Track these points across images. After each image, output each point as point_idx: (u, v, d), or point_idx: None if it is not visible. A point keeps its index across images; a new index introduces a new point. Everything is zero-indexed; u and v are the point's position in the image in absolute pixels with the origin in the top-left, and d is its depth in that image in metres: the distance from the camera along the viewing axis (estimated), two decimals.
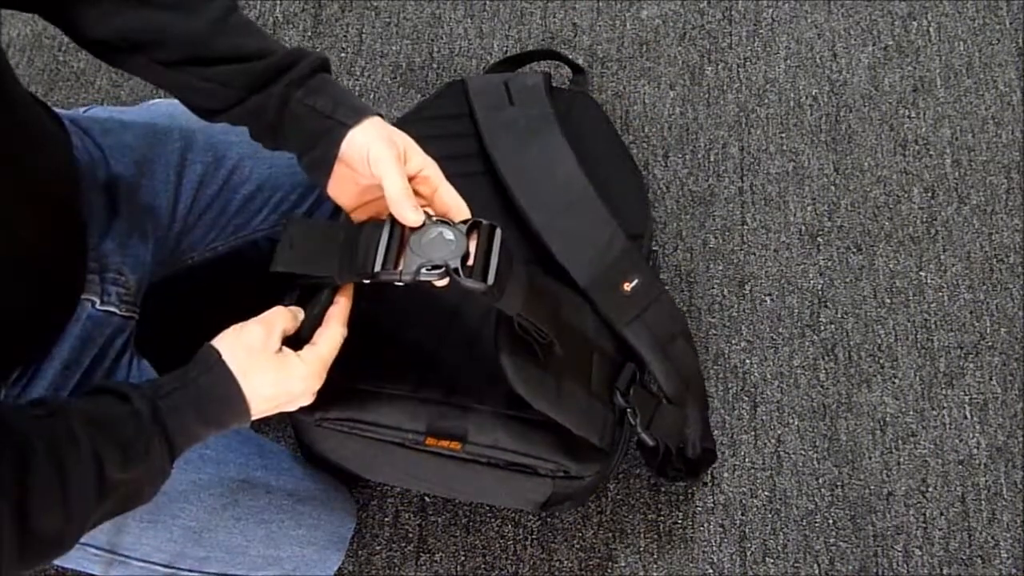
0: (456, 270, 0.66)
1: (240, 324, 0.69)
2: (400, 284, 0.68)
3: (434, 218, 0.68)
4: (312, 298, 0.74)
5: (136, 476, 0.62)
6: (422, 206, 0.69)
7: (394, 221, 0.69)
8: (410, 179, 0.69)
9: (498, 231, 0.69)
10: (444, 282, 0.67)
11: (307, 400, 0.71)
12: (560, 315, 0.84)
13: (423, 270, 0.66)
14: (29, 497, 0.56)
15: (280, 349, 0.69)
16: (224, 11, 0.71)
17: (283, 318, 0.71)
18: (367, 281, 0.69)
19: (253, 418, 0.69)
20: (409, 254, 0.67)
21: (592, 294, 0.87)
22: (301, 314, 0.73)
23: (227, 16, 0.71)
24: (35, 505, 0.56)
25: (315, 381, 0.70)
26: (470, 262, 0.67)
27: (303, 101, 0.70)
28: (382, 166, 0.68)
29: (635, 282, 0.89)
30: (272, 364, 0.68)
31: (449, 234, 0.67)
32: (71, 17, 0.69)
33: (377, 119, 0.71)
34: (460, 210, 0.70)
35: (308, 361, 0.70)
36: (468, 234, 0.68)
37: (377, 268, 0.67)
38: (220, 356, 0.67)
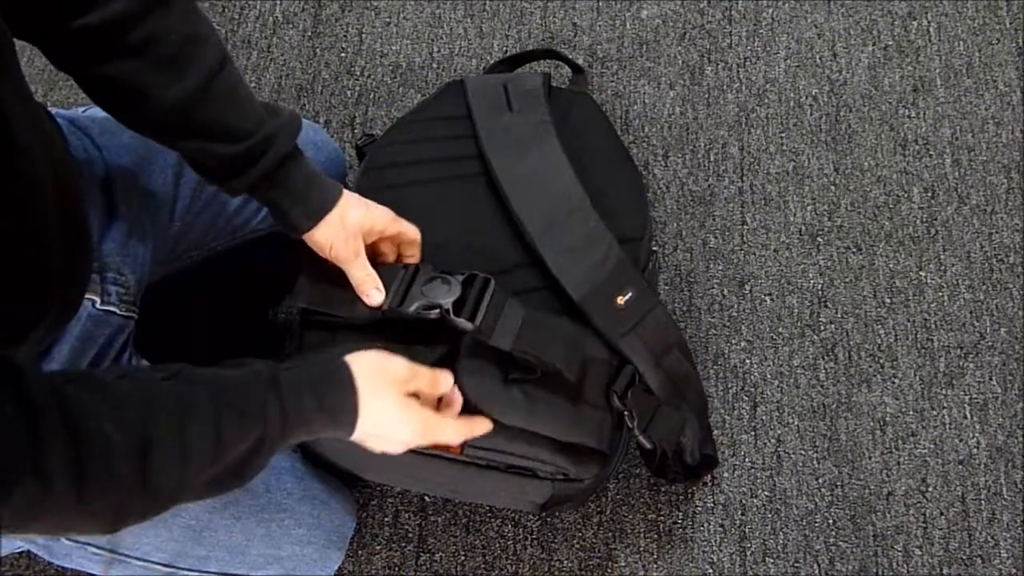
0: (448, 310, 0.79)
1: (385, 352, 0.73)
2: (405, 317, 0.81)
3: (439, 270, 0.82)
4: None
5: (253, 440, 0.63)
6: (410, 256, 0.84)
7: (406, 267, 0.83)
8: (392, 238, 0.83)
9: (491, 282, 0.81)
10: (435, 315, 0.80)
11: (399, 450, 0.74)
12: (550, 340, 0.85)
13: (421, 309, 0.80)
14: (152, 449, 0.57)
15: (408, 396, 0.72)
16: (209, 73, 0.71)
17: (426, 377, 0.75)
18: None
19: (354, 436, 0.70)
20: (415, 294, 0.81)
21: (585, 307, 0.87)
22: (446, 387, 0.77)
23: (211, 81, 0.71)
24: (156, 457, 0.57)
25: (420, 437, 0.73)
26: (467, 305, 0.80)
27: (266, 195, 0.78)
28: (343, 264, 0.80)
29: (629, 295, 0.88)
30: (396, 398, 0.71)
31: (448, 281, 0.81)
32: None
33: (333, 216, 0.78)
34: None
35: (426, 415, 0.73)
36: (465, 284, 0.81)
37: (387, 306, 0.81)
38: (346, 361, 0.70)
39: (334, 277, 0.82)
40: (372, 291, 0.80)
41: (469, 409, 0.79)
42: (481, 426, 0.79)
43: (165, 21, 0.68)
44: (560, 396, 0.82)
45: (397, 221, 0.83)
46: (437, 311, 0.79)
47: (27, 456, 0.52)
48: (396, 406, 0.71)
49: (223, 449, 0.61)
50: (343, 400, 0.68)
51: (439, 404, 0.78)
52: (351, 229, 0.79)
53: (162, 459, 0.58)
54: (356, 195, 0.81)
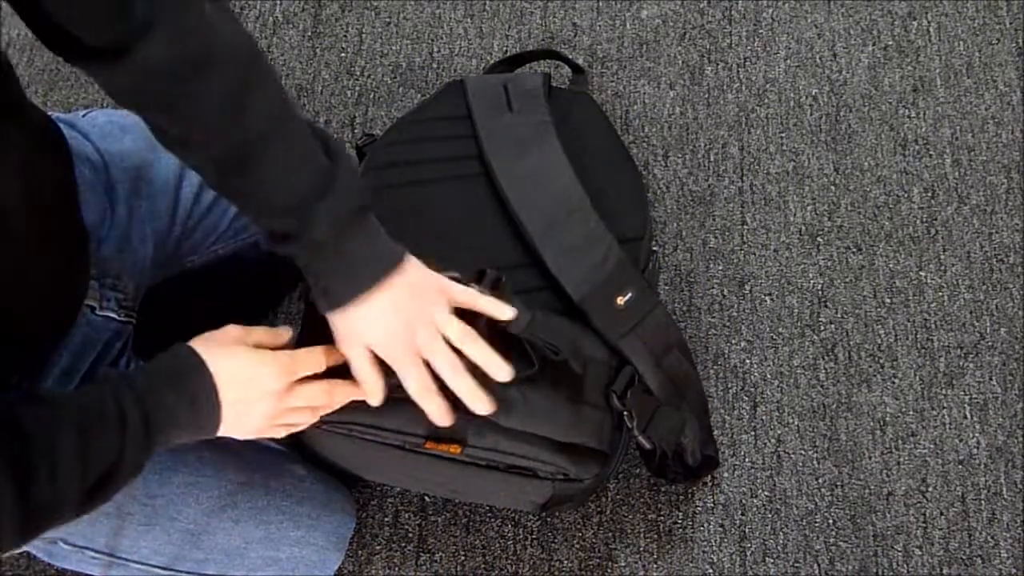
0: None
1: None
2: None
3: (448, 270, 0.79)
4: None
5: (117, 440, 0.62)
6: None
7: None
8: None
9: (503, 277, 0.80)
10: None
11: (274, 404, 0.71)
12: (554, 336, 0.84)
13: None
14: (25, 469, 0.57)
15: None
16: (266, 131, 0.66)
17: (263, 329, 0.73)
18: None
19: (224, 404, 0.67)
20: None
21: (585, 307, 0.87)
22: (287, 335, 0.75)
23: (265, 141, 0.66)
24: (31, 477, 0.57)
25: (285, 373, 0.71)
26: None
27: (304, 267, 0.72)
28: (349, 360, 0.74)
29: (628, 296, 0.88)
30: (244, 350, 0.69)
31: (460, 280, 0.78)
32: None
33: (356, 311, 0.71)
34: (503, 313, 0.77)
35: (280, 358, 0.71)
36: (478, 279, 0.79)
37: None
38: (181, 343, 0.69)
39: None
40: (373, 394, 0.75)
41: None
42: (347, 390, 0.75)
43: (202, 83, 0.64)
44: (560, 397, 0.82)
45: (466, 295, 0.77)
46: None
47: None
48: (246, 352, 0.69)
49: (91, 461, 0.60)
50: (192, 372, 0.67)
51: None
52: (362, 339, 0.73)
53: (32, 478, 0.57)
54: (389, 298, 0.72)
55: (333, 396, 0.75)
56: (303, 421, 0.76)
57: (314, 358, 0.73)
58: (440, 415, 0.74)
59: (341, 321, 0.72)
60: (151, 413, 0.63)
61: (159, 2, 0.59)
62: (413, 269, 0.74)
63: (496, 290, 0.79)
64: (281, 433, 0.76)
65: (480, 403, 0.75)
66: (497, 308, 0.76)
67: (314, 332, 0.80)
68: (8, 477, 0.56)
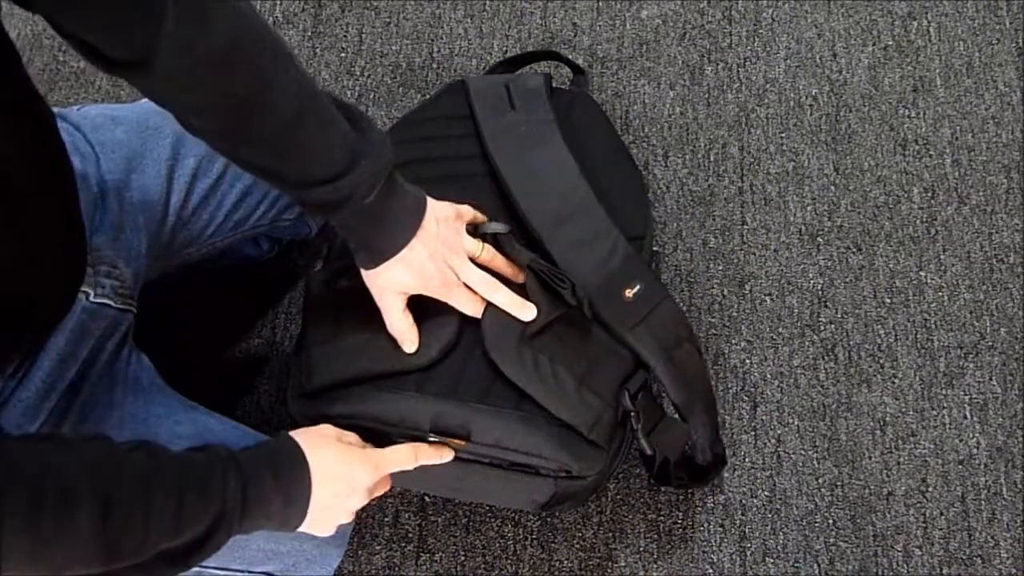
0: (508, 233, 0.85)
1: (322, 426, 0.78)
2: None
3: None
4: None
5: (212, 516, 0.64)
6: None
7: None
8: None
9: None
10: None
11: (363, 499, 0.76)
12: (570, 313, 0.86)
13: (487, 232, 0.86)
14: (114, 507, 0.58)
15: (348, 444, 0.77)
16: (281, 128, 0.68)
17: (356, 435, 0.79)
18: None
19: (315, 499, 0.72)
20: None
21: (594, 301, 0.87)
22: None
23: (282, 135, 0.68)
24: (118, 516, 0.58)
25: (373, 473, 0.76)
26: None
27: (346, 230, 0.78)
28: (383, 312, 0.81)
29: (637, 288, 0.89)
30: (339, 447, 0.75)
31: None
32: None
33: (393, 264, 0.77)
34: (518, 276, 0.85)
35: (371, 456, 0.77)
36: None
37: None
38: (288, 434, 0.74)
39: (346, 329, 0.84)
40: (407, 343, 0.82)
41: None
42: (430, 452, 0.82)
43: (229, 79, 0.65)
44: (568, 375, 0.83)
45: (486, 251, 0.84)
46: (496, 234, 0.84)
47: None
48: (339, 451, 0.75)
49: (183, 522, 0.62)
50: (294, 467, 0.71)
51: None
52: (399, 288, 0.80)
53: (124, 518, 0.58)
54: (421, 243, 0.78)
55: (418, 459, 0.81)
56: (396, 457, 0.81)
57: (401, 456, 0.79)
58: (517, 305, 0.82)
59: (382, 275, 0.78)
60: (248, 484, 0.67)
61: (177, 10, 0.59)
62: (434, 206, 0.80)
63: (498, 244, 0.84)
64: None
65: (524, 309, 0.82)
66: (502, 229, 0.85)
67: (318, 320, 0.84)
68: (95, 513, 0.57)
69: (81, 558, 0.57)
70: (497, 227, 0.86)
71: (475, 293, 0.82)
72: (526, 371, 0.82)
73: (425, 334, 0.83)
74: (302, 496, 0.71)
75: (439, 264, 0.79)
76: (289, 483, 0.70)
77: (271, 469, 0.69)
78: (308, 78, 0.70)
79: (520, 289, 0.84)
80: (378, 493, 0.80)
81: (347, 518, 0.77)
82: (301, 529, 0.73)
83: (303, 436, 0.74)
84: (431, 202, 0.80)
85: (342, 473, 0.74)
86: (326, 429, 0.77)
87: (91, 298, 0.77)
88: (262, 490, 0.68)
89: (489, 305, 0.83)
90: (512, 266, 0.85)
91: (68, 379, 0.75)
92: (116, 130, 0.85)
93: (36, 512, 0.54)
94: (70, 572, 0.58)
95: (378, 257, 0.77)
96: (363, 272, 0.80)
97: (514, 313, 0.82)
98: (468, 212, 0.85)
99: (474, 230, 0.85)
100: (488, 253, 0.84)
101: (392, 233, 0.77)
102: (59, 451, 0.58)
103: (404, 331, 0.81)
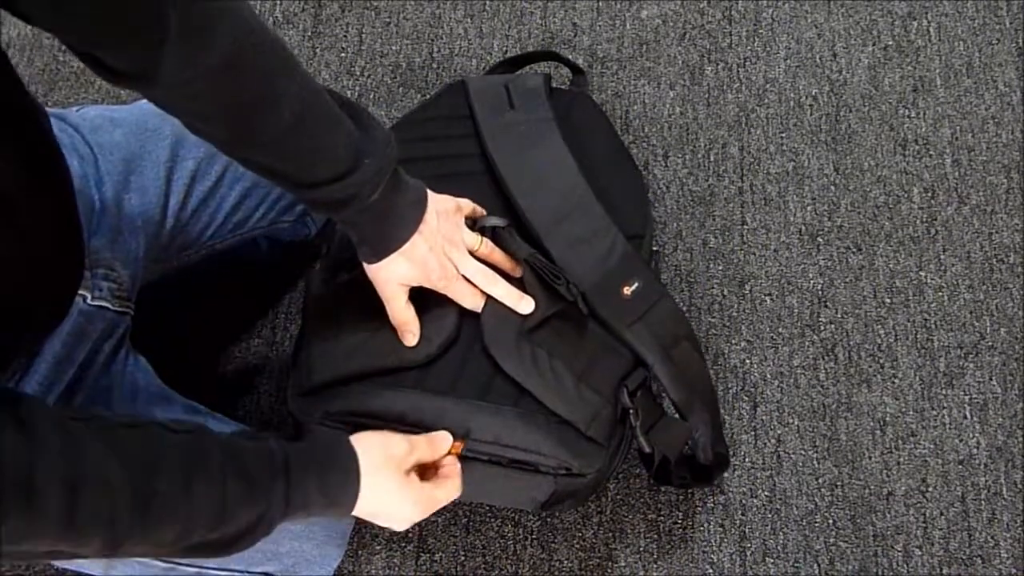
0: (507, 227, 0.86)
1: (387, 432, 0.75)
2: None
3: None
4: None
5: (255, 516, 0.63)
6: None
7: None
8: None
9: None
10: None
11: (402, 527, 0.76)
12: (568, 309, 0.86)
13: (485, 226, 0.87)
14: (153, 500, 0.57)
15: (409, 472, 0.74)
16: (283, 131, 0.68)
17: (425, 448, 0.77)
18: None
19: (357, 511, 0.71)
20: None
21: (592, 298, 0.87)
22: (444, 446, 0.79)
23: (285, 138, 0.68)
24: (157, 509, 0.58)
25: (421, 513, 0.75)
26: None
27: (350, 226, 0.78)
28: (386, 303, 0.81)
29: (635, 285, 0.89)
30: (397, 478, 0.73)
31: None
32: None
33: (396, 258, 0.78)
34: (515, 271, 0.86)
35: (425, 493, 0.75)
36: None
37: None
38: (350, 443, 0.72)
39: (346, 328, 0.84)
40: (408, 334, 0.82)
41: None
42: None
43: (232, 86, 0.65)
44: (566, 370, 0.83)
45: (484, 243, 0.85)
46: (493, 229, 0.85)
47: (21, 489, 0.51)
48: (397, 485, 0.73)
49: (224, 517, 0.62)
50: (344, 482, 0.70)
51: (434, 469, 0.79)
52: (401, 280, 0.81)
53: (163, 512, 0.58)
54: (422, 237, 0.79)
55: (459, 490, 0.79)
56: (446, 496, 0.79)
57: (451, 492, 0.77)
58: (515, 298, 0.83)
59: (385, 268, 0.79)
60: (292, 493, 0.66)
61: (180, 22, 0.58)
62: (434, 200, 0.81)
63: (497, 237, 0.85)
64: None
65: (522, 302, 0.83)
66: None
67: (317, 318, 0.84)
68: (136, 506, 0.57)
69: (117, 547, 0.57)
70: (496, 221, 0.86)
71: (474, 286, 0.83)
72: (524, 366, 0.82)
73: (425, 329, 0.83)
74: (346, 505, 0.70)
75: (439, 257, 0.80)
76: (336, 494, 0.69)
77: (320, 478, 0.68)
78: (311, 79, 0.70)
79: (519, 283, 0.84)
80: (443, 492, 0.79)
81: (394, 527, 0.77)
82: (357, 511, 0.73)
83: (366, 453, 0.71)
84: (432, 195, 0.81)
85: (391, 505, 0.73)
86: (393, 446, 0.74)
87: (88, 301, 0.77)
88: (307, 496, 0.67)
89: (488, 300, 0.83)
90: (510, 260, 0.86)
91: (65, 382, 0.75)
92: (115, 132, 0.85)
93: (72, 502, 0.53)
94: (106, 556, 0.58)
95: (381, 252, 0.78)
96: (365, 266, 0.80)
97: (512, 306, 0.83)
98: (468, 205, 0.86)
99: (473, 224, 0.86)
100: (487, 247, 0.84)
101: (395, 228, 0.78)
102: (100, 438, 0.57)
103: (407, 323, 0.82)
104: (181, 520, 0.59)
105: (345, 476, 0.70)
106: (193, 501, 0.59)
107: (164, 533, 0.59)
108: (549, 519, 1.07)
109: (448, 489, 0.77)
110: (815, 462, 1.10)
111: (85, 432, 0.57)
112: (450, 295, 0.83)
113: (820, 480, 1.09)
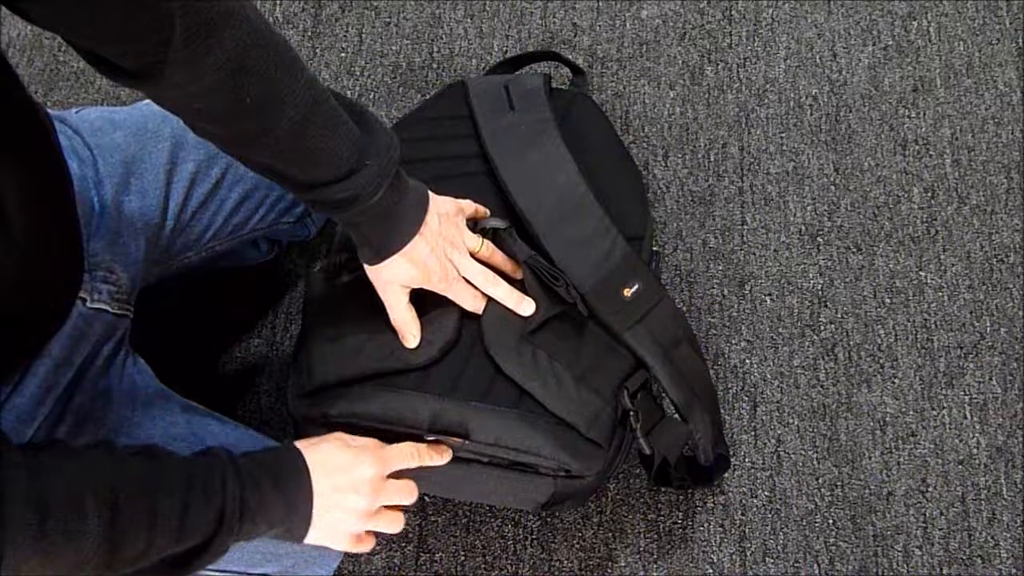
0: (508, 229, 0.86)
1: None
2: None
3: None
4: None
5: (214, 520, 0.64)
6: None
7: None
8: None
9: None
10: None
11: (368, 498, 0.75)
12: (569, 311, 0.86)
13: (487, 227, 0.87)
14: (120, 514, 0.58)
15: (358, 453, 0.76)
16: (287, 132, 0.68)
17: (365, 439, 0.79)
18: None
19: (317, 495, 0.72)
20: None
21: (592, 300, 0.87)
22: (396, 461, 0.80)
23: (289, 139, 0.68)
24: (123, 522, 0.59)
25: (378, 467, 0.76)
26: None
27: (353, 227, 0.78)
28: (387, 304, 0.82)
29: (635, 287, 0.89)
30: (341, 441, 0.76)
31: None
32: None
33: (397, 259, 0.78)
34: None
35: (374, 449, 0.77)
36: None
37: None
38: (288, 440, 0.75)
39: (348, 330, 0.85)
40: (409, 336, 0.82)
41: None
42: (429, 452, 0.82)
43: (237, 87, 0.65)
44: (567, 372, 0.83)
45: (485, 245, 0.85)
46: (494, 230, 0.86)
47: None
48: (342, 444, 0.75)
49: (186, 527, 0.62)
50: (294, 468, 0.72)
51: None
52: (402, 281, 0.81)
53: (129, 524, 0.59)
54: (423, 239, 0.79)
55: (422, 458, 0.81)
56: (391, 528, 0.80)
57: (404, 452, 0.79)
58: (516, 299, 0.83)
59: (386, 269, 0.79)
60: (247, 511, 0.67)
61: (185, 24, 0.58)
62: (436, 201, 0.81)
63: (498, 237, 0.86)
64: (365, 547, 0.80)
65: (523, 303, 0.83)
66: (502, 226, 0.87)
67: (318, 319, 0.84)
68: (104, 520, 0.57)
69: (86, 565, 0.58)
70: (497, 222, 0.86)
71: (475, 288, 0.83)
72: (525, 367, 0.82)
73: (425, 331, 0.83)
74: (304, 503, 0.71)
75: (440, 259, 0.80)
76: (290, 489, 0.70)
77: (270, 476, 0.69)
78: (315, 80, 0.70)
79: (519, 285, 0.84)
80: (395, 501, 0.79)
81: (357, 523, 0.76)
82: (309, 540, 0.73)
83: (306, 442, 0.74)
84: (433, 197, 0.81)
85: (342, 463, 0.74)
86: (335, 433, 0.77)
87: (87, 304, 0.77)
88: (262, 496, 0.68)
89: (489, 301, 0.83)
90: (511, 262, 0.86)
91: (63, 384, 0.75)
92: (115, 134, 0.85)
93: (43, 522, 0.54)
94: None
95: (383, 253, 0.78)
96: (366, 267, 0.80)
97: (513, 307, 0.83)
98: (469, 207, 0.86)
99: (474, 225, 0.86)
100: (488, 248, 0.84)
101: (397, 230, 0.78)
102: (63, 459, 0.59)
103: (407, 324, 0.82)
104: (145, 533, 0.60)
105: (294, 468, 0.72)
106: (156, 513, 0.61)
107: (128, 549, 0.60)
108: (549, 519, 1.07)
109: (402, 448, 0.79)
110: (815, 462, 1.10)
111: (53, 458, 0.58)
112: (451, 297, 0.83)
113: (820, 480, 1.09)
